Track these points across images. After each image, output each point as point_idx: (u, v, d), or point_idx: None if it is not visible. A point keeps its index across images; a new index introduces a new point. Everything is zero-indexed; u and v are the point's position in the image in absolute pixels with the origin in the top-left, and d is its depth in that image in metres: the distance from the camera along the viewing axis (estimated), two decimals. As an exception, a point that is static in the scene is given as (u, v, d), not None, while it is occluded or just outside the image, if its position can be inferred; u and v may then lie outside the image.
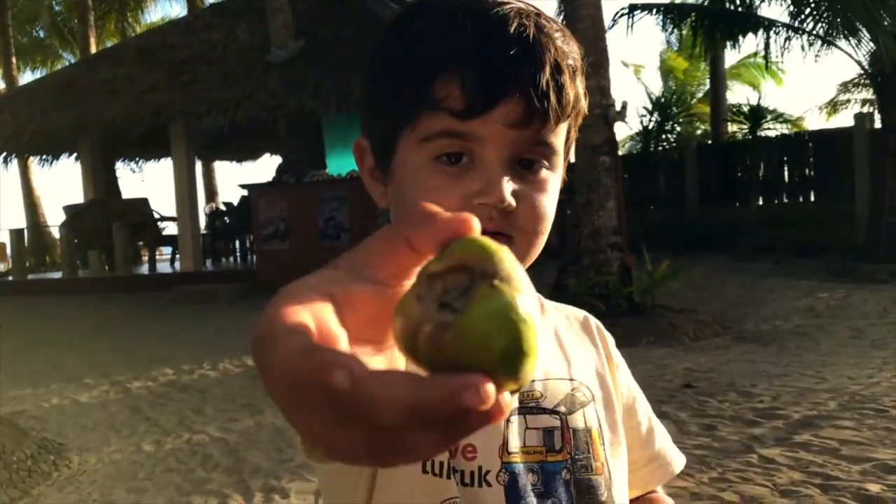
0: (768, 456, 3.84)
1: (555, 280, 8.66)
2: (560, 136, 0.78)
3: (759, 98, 20.73)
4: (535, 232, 0.77)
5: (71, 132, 14.01)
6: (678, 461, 1.01)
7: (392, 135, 0.77)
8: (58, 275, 15.04)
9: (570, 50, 0.78)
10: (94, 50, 17.43)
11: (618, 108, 8.43)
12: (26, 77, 21.27)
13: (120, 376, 6.87)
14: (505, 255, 0.36)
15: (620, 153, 23.86)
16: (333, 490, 0.80)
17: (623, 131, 30.10)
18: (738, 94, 27.33)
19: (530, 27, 0.75)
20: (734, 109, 18.74)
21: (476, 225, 0.37)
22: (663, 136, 17.71)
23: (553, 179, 0.79)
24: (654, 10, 14.77)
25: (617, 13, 14.79)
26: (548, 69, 0.74)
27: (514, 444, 0.80)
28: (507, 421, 0.80)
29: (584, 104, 0.81)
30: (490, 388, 0.32)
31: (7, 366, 7.65)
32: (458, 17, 0.74)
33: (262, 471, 4.16)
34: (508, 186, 0.74)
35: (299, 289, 0.35)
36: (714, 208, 16.09)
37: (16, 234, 15.07)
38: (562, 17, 8.74)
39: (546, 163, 0.78)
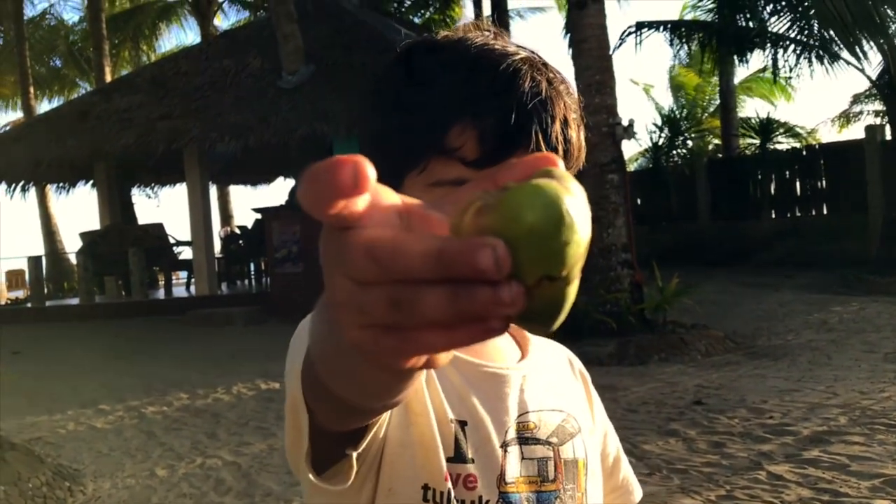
0: (777, 472, 3.84)
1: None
2: None
3: (770, 112, 20.72)
4: None
5: (87, 160, 14.19)
6: (638, 491, 1.05)
7: (398, 175, 0.79)
8: (75, 301, 15.18)
9: (573, 102, 0.82)
10: (109, 78, 17.66)
11: (625, 125, 8.47)
12: (44, 106, 21.60)
13: (135, 401, 6.93)
14: (573, 182, 0.36)
15: (631, 169, 23.89)
16: None
17: (633, 148, 30.06)
18: (750, 108, 27.32)
19: (542, 81, 0.78)
20: (745, 123, 18.75)
21: (558, 161, 0.38)
22: (674, 152, 17.71)
23: None
24: (662, 28, 14.84)
25: (624, 32, 14.87)
26: (557, 124, 0.78)
27: (512, 474, 0.82)
28: (506, 451, 0.83)
29: (583, 154, 0.84)
30: (504, 253, 0.32)
31: (25, 392, 7.74)
32: (473, 66, 0.77)
33: (273, 494, 4.20)
34: None
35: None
36: (726, 223, 16.07)
37: (33, 262, 15.23)
38: (567, 36, 8.82)
39: None
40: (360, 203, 0.34)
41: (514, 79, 0.77)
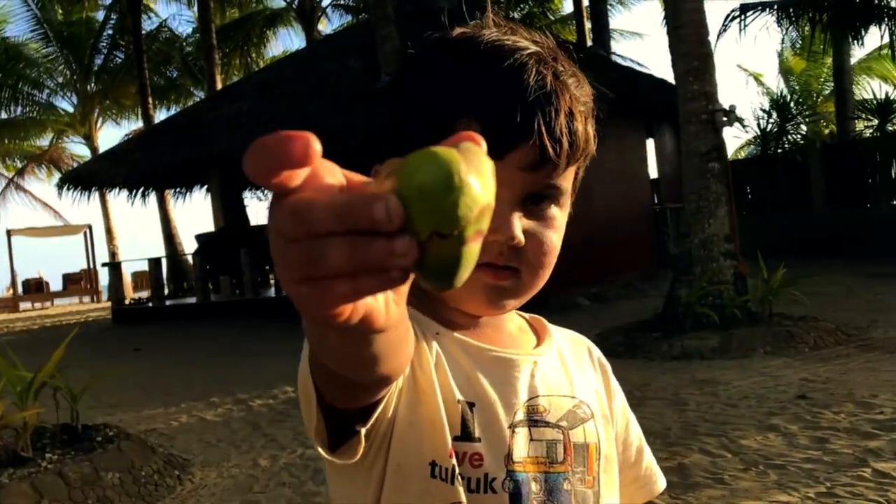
0: (883, 470, 3.68)
1: (668, 291, 8.49)
2: (569, 178, 0.84)
3: (890, 92, 19.62)
4: (540, 265, 0.83)
5: (200, 165, 14.85)
6: (661, 481, 1.05)
7: None
8: (192, 300, 15.90)
9: (582, 95, 0.84)
10: (219, 86, 18.40)
11: (725, 112, 8.22)
12: (161, 115, 22.67)
13: (244, 395, 7.22)
14: (480, 155, 0.41)
15: (741, 157, 23.07)
16: (342, 497, 0.86)
17: (741, 137, 29.01)
18: (870, 90, 25.97)
19: (548, 75, 0.80)
20: (861, 105, 17.84)
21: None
22: (784, 138, 17.03)
23: (560, 216, 0.84)
24: (768, 9, 14.32)
25: (728, 16, 14.43)
26: (562, 117, 0.79)
27: (520, 454, 0.85)
28: (513, 432, 0.85)
29: (593, 146, 0.85)
30: (396, 206, 0.37)
31: (144, 386, 8.19)
32: (481, 61, 0.80)
33: (367, 484, 4.31)
34: (519, 224, 0.79)
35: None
36: (842, 211, 15.36)
37: (153, 263, 16.05)
38: (664, 22, 8.62)
39: (554, 201, 0.83)
40: (302, 174, 0.38)
41: (518, 73, 0.79)
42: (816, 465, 3.90)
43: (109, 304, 18.30)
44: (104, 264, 19.27)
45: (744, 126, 15.31)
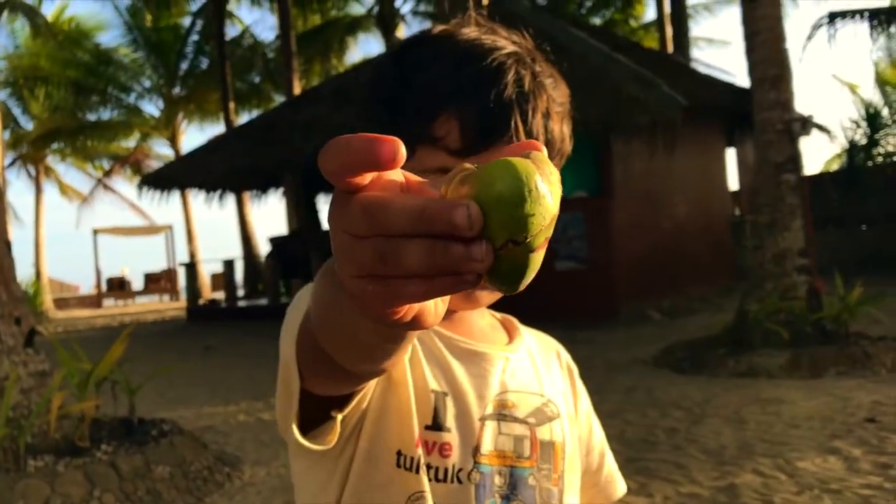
0: (945, 500, 3.45)
1: (738, 305, 8.21)
2: None
3: None
4: None
5: (276, 168, 15.13)
6: (621, 486, 1.05)
7: None
8: (265, 301, 16.21)
9: (558, 95, 0.86)
10: (297, 91, 18.74)
11: (802, 121, 7.93)
12: (243, 119, 23.21)
13: (302, 396, 7.28)
14: (550, 165, 0.41)
15: (830, 170, 22.27)
16: (304, 488, 0.87)
17: (833, 149, 28.06)
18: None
19: (526, 75, 0.82)
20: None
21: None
22: (874, 150, 16.34)
23: None
24: (858, 16, 13.79)
25: (815, 24, 13.95)
26: (539, 116, 0.81)
27: (487, 447, 0.85)
28: (483, 424, 0.86)
29: (568, 146, 0.87)
30: (477, 213, 0.38)
31: (209, 383, 8.37)
32: (459, 60, 0.81)
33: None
34: None
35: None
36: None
37: (227, 265, 16.42)
38: (742, 31, 8.38)
39: None
40: (369, 175, 0.40)
41: (497, 72, 0.80)
42: (876, 491, 3.69)
43: (186, 303, 18.82)
44: (183, 264, 19.83)
45: (830, 136, 14.76)
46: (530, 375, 0.93)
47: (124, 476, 4.46)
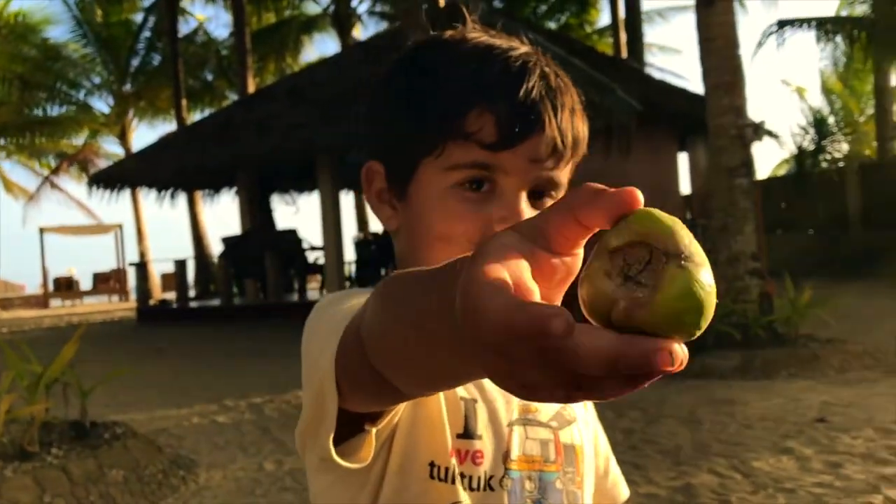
0: (895, 498, 3.54)
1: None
2: (566, 173, 0.85)
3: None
4: None
5: (229, 167, 14.95)
6: (625, 492, 1.06)
7: (413, 161, 0.83)
8: (217, 302, 16.00)
9: (577, 95, 0.86)
10: (251, 90, 18.54)
11: (755, 126, 8.08)
12: (195, 117, 22.88)
13: (258, 398, 7.21)
14: (681, 229, 0.40)
15: (778, 175, 22.76)
16: (329, 498, 0.83)
17: (780, 154, 28.69)
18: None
19: (550, 73, 0.82)
20: (901, 125, 17.52)
21: (640, 198, 0.41)
22: (821, 156, 16.74)
23: None
24: (807, 25, 14.12)
25: (765, 31, 14.25)
26: (567, 112, 0.82)
27: (515, 452, 0.85)
28: (511, 429, 0.86)
29: (585, 145, 0.87)
30: (680, 352, 0.37)
31: (161, 386, 8.22)
32: (484, 57, 0.81)
33: (368, 493, 4.25)
34: (527, 215, 0.79)
35: (495, 248, 0.40)
36: (879, 232, 15.04)
37: (179, 265, 16.17)
38: (697, 37, 8.51)
39: (553, 195, 0.84)
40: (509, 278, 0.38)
41: (523, 68, 0.81)
42: (827, 489, 3.78)
43: (136, 303, 18.49)
44: (132, 264, 19.48)
45: (778, 141, 15.09)
46: None
47: (76, 480, 4.36)
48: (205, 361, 10.04)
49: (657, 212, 0.40)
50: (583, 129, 0.85)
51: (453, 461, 0.81)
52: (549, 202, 0.83)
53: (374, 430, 0.73)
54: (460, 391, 0.83)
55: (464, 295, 0.38)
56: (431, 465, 0.80)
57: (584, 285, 0.40)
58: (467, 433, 0.83)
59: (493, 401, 0.85)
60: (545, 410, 0.89)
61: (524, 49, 0.83)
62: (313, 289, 17.39)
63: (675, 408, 5.76)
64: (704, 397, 6.10)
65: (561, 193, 0.85)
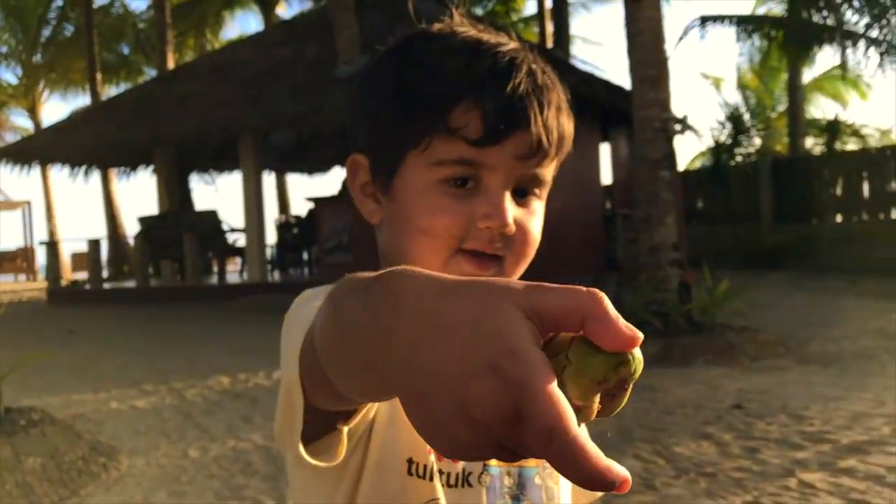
0: (808, 481, 3.71)
1: (613, 296, 8.52)
2: (550, 170, 0.85)
3: (839, 112, 20.11)
4: (524, 254, 0.84)
5: (147, 145, 14.52)
6: None
7: (398, 155, 0.82)
8: (132, 284, 15.56)
9: (563, 92, 0.86)
10: (171, 66, 18.01)
11: (678, 120, 8.29)
12: (110, 91, 22.13)
13: (178, 383, 7.05)
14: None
15: (696, 167, 23.42)
16: (307, 494, 0.84)
17: (697, 147, 29.55)
18: (822, 107, 26.61)
19: (537, 69, 0.83)
20: (812, 124, 18.24)
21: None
22: (736, 150, 17.29)
23: (541, 207, 0.86)
24: (727, 22, 14.51)
25: (688, 25, 14.59)
26: (553, 109, 0.82)
27: None
28: None
29: (570, 143, 0.87)
30: (626, 482, 0.40)
31: (76, 370, 7.96)
32: (472, 52, 0.81)
33: (297, 479, 4.21)
34: (512, 212, 0.80)
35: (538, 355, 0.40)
36: (789, 225, 15.66)
37: (93, 245, 15.64)
38: (625, 31, 8.66)
39: (538, 192, 0.85)
40: None
41: (511, 64, 0.80)
42: (746, 474, 3.92)
43: (45, 283, 17.83)
44: (42, 243, 18.75)
45: (698, 135, 15.53)
46: None
47: (-10, 469, 4.19)
48: (120, 345, 9.76)
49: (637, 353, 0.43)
50: (568, 126, 0.85)
51: (431, 458, 0.81)
52: (533, 199, 0.84)
53: (345, 429, 0.73)
54: None
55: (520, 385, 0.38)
56: (409, 461, 0.81)
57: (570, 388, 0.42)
58: None
59: None
60: None
61: (512, 45, 0.83)
62: (232, 271, 17.08)
63: (598, 394, 5.87)
64: (627, 384, 6.24)
65: (545, 191, 0.85)
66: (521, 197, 0.83)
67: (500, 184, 0.80)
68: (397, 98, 0.82)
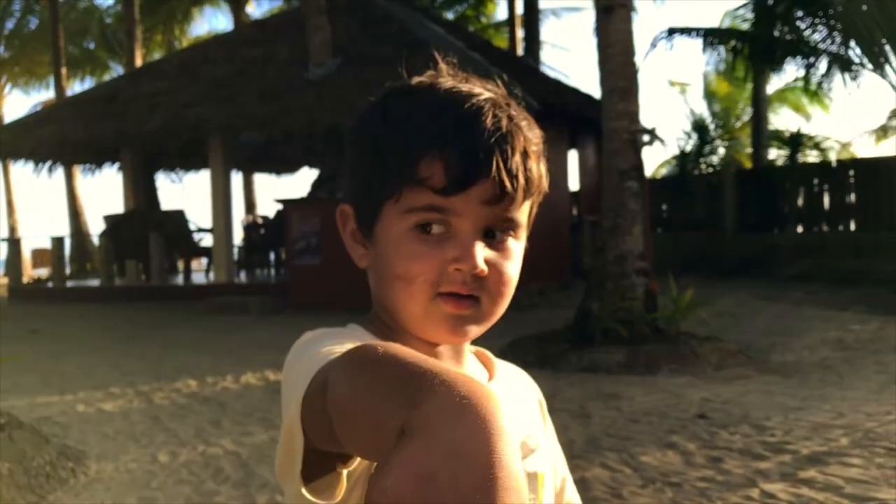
0: (770, 491, 3.81)
1: (580, 303, 8.63)
2: (524, 212, 0.89)
3: (803, 123, 20.51)
4: (500, 294, 0.87)
5: (113, 142, 14.36)
6: None
7: (377, 205, 0.88)
8: (96, 282, 15.37)
9: (534, 136, 0.90)
10: (139, 63, 17.82)
11: (647, 132, 8.42)
12: (76, 86, 21.84)
13: (145, 386, 7.01)
14: None
15: (660, 176, 23.69)
16: None
17: (662, 155, 29.89)
18: (785, 118, 27.08)
19: (503, 118, 0.86)
20: (775, 135, 18.57)
21: None
22: (701, 160, 17.56)
23: (517, 247, 0.89)
24: (694, 34, 14.73)
25: (656, 37, 14.78)
26: (518, 155, 0.85)
27: None
28: None
29: (545, 183, 0.91)
30: None
31: (40, 371, 7.86)
32: (441, 105, 0.86)
33: (269, 486, 4.24)
34: (481, 255, 0.84)
35: None
36: (752, 235, 15.93)
37: (57, 242, 15.43)
38: (596, 38, 8.78)
39: (512, 234, 0.88)
40: None
41: (476, 115, 0.85)
42: (710, 483, 4.01)
43: (5, 280, 17.54)
44: (3, 239, 18.44)
45: (664, 145, 15.72)
46: (511, 409, 0.90)
47: (-44, 473, 4.15)
48: (85, 345, 9.65)
49: None
50: (537, 169, 0.88)
51: None
52: (508, 240, 0.88)
53: (344, 472, 0.76)
54: None
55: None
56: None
57: None
58: None
59: None
60: None
61: (486, 95, 0.88)
62: (198, 271, 16.95)
63: (566, 401, 5.96)
64: (593, 391, 6.34)
65: (521, 231, 0.89)
66: (492, 238, 0.86)
67: (469, 228, 0.84)
68: (373, 153, 0.88)
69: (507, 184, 0.83)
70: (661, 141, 15.81)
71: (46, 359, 8.57)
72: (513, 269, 0.88)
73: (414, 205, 0.84)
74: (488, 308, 0.87)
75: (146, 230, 14.16)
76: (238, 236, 16.01)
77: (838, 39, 13.39)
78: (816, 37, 13.81)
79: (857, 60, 13.01)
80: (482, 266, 0.84)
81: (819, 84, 14.34)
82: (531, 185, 0.87)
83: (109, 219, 15.14)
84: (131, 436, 5.44)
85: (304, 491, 0.75)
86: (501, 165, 0.83)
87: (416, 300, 0.86)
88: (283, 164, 20.60)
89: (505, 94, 0.92)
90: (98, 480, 4.55)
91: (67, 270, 16.73)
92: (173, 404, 6.33)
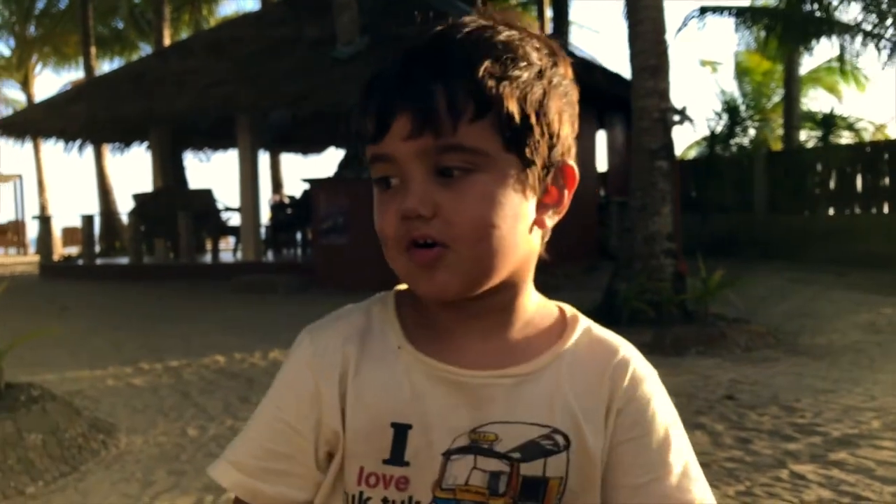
0: (800, 472, 3.77)
1: (608, 284, 8.58)
2: (485, 136, 0.78)
3: (836, 104, 20.18)
4: (472, 237, 0.79)
5: (142, 122, 14.46)
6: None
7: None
8: (125, 260, 15.53)
9: (486, 53, 0.79)
10: (167, 42, 17.89)
11: (677, 111, 8.32)
12: (104, 66, 21.99)
13: (174, 361, 7.08)
14: None
15: (691, 156, 23.43)
16: None
17: (691, 136, 29.55)
18: (817, 101, 26.64)
19: (444, 45, 0.81)
20: (808, 116, 18.27)
21: None
22: (731, 141, 17.32)
23: (479, 181, 0.79)
24: (726, 13, 14.51)
25: (688, 15, 14.60)
26: (438, 81, 0.78)
27: (454, 481, 0.83)
28: (448, 459, 0.84)
29: (510, 102, 0.79)
30: None
31: (70, 346, 7.96)
32: (393, 60, 0.84)
33: (296, 460, 4.26)
34: (418, 195, 0.79)
35: None
36: (782, 217, 15.72)
37: (86, 220, 15.60)
38: (626, 18, 8.67)
39: (469, 166, 0.79)
40: None
41: (408, 57, 0.82)
42: (738, 464, 3.98)
43: (37, 257, 17.77)
44: (35, 217, 18.68)
45: (695, 126, 15.54)
46: (540, 402, 0.85)
47: (-9, 444, 4.21)
48: (114, 322, 9.76)
49: None
50: (498, 85, 0.78)
51: (360, 488, 0.85)
52: (462, 177, 0.79)
53: None
54: (393, 416, 0.84)
55: None
56: (345, 494, 0.87)
57: None
58: (394, 458, 0.84)
59: (429, 427, 0.84)
60: (508, 440, 0.83)
61: (436, 29, 0.84)
62: (225, 250, 17.07)
63: (592, 382, 5.93)
64: (620, 372, 6.30)
65: (483, 160, 0.79)
66: (451, 178, 0.79)
67: (413, 172, 0.79)
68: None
69: (423, 111, 0.77)
70: (691, 121, 15.61)
71: (76, 334, 8.68)
72: (476, 206, 0.78)
73: (368, 161, 0.84)
74: (464, 254, 0.79)
75: (174, 209, 14.26)
76: (265, 216, 16.10)
77: (872, 17, 13.13)
78: (850, 15, 13.57)
79: (892, 39, 12.76)
80: (415, 207, 0.78)
81: (853, 63, 14.08)
82: (461, 107, 0.77)
83: (138, 197, 15.28)
84: (160, 410, 5.49)
85: None
86: (413, 97, 0.78)
87: (392, 259, 0.84)
88: (310, 144, 20.64)
89: (490, 19, 0.85)
90: (128, 453, 4.60)
91: (97, 248, 16.93)
92: (202, 380, 6.39)
